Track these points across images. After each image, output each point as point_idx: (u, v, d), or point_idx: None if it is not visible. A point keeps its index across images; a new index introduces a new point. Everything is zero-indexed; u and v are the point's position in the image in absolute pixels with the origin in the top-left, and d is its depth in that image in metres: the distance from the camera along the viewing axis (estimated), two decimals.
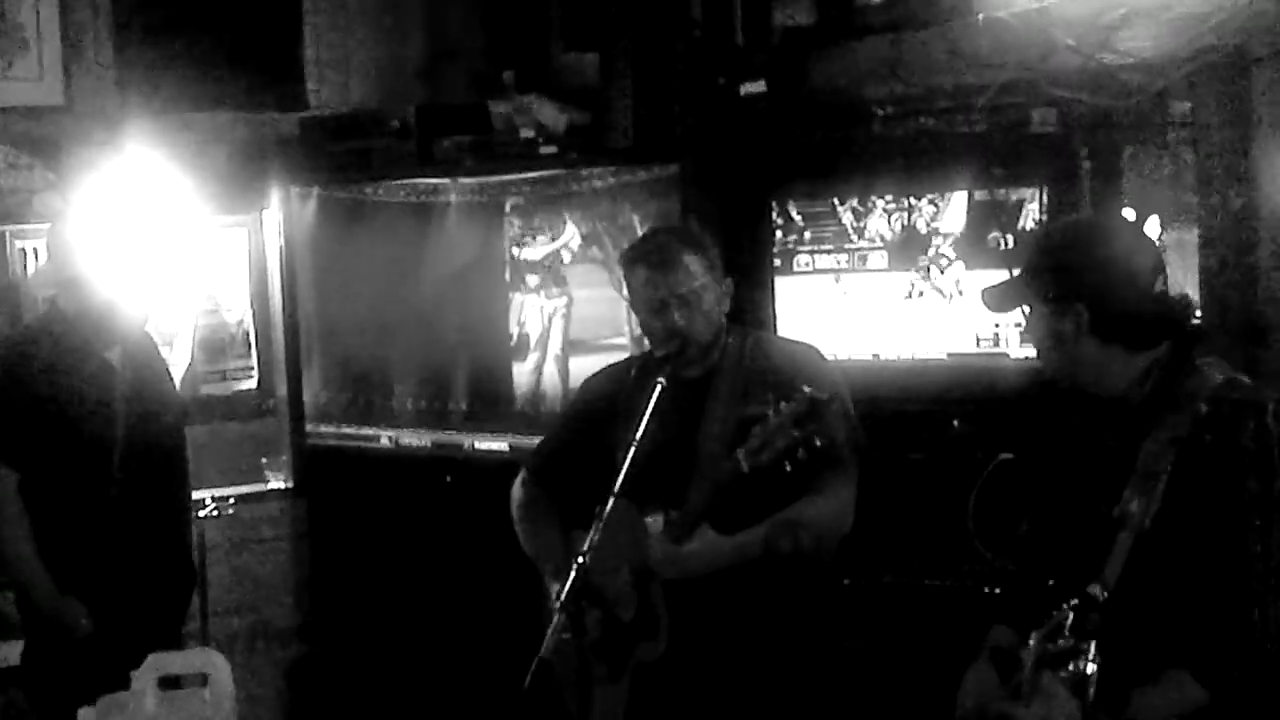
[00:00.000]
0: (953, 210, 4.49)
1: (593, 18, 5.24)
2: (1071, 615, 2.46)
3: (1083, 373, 2.79)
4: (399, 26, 6.05)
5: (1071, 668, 2.48)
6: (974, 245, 4.45)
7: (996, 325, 4.40)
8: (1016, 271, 2.91)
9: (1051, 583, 2.70)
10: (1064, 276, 2.75)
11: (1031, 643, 2.54)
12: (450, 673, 5.27)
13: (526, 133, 5.11)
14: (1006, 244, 4.39)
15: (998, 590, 4.23)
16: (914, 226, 4.56)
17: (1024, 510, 3.13)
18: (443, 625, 5.30)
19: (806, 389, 3.18)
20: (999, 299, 2.92)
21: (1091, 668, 2.48)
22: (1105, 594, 2.45)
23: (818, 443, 3.16)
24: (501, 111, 5.21)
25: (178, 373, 5.31)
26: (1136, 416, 2.69)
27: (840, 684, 3.77)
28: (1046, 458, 2.98)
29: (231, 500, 5.34)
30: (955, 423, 4.53)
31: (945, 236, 4.49)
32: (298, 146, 5.69)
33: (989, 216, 4.44)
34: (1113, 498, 2.61)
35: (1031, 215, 4.37)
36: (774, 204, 4.74)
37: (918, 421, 4.51)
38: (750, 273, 4.50)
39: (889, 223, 4.60)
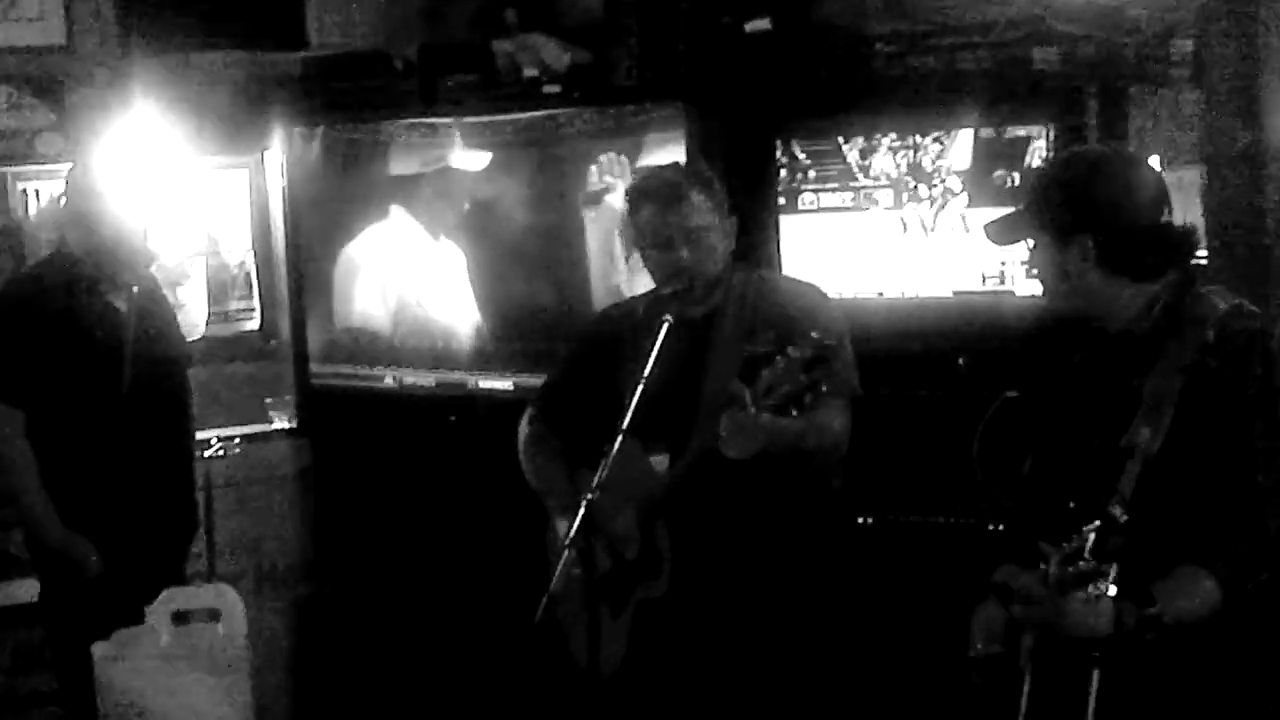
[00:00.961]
0: (958, 148, 4.48)
1: None
2: (1093, 537, 2.47)
3: (1088, 305, 2.79)
4: None
5: (1090, 589, 2.49)
6: (979, 183, 4.44)
7: (1003, 263, 4.40)
8: (1020, 204, 2.91)
9: (1059, 514, 2.71)
10: (1071, 208, 2.74)
11: (1051, 565, 2.54)
12: (455, 610, 5.29)
13: (530, 72, 5.07)
14: (1012, 182, 4.38)
15: (1001, 528, 4.25)
16: (919, 164, 4.55)
17: (1028, 447, 3.14)
18: (448, 563, 5.33)
19: (815, 334, 3.17)
20: (1003, 232, 2.92)
21: (1112, 590, 2.49)
22: (1125, 516, 2.46)
23: (824, 388, 3.16)
24: (504, 50, 5.17)
25: (192, 312, 5.32)
26: (1143, 347, 2.69)
27: (843, 622, 3.79)
28: (1051, 393, 2.98)
29: (236, 440, 5.35)
30: (960, 361, 4.53)
31: (951, 174, 4.48)
32: (299, 86, 5.67)
33: (995, 155, 4.43)
34: (1121, 428, 2.62)
35: (1038, 153, 4.35)
36: (779, 142, 4.73)
37: (922, 359, 4.51)
38: (754, 211, 4.49)
39: (894, 160, 4.59)
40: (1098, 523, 2.48)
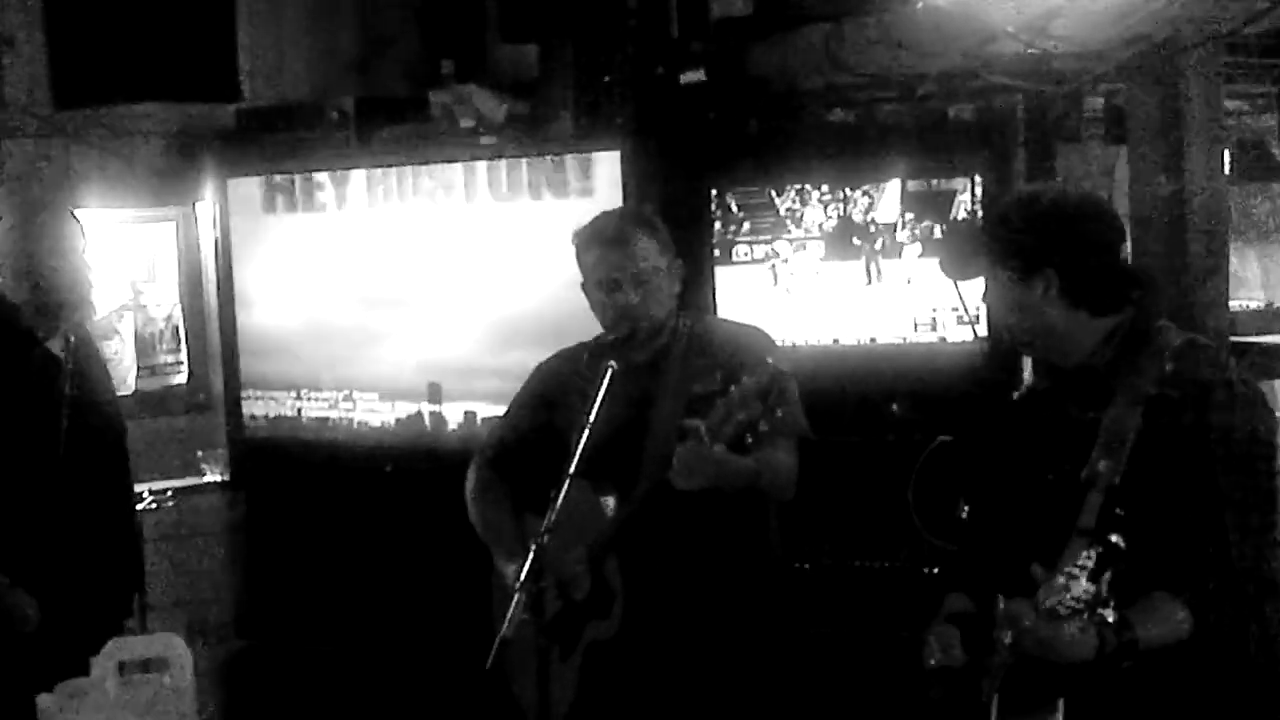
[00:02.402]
0: (888, 200, 4.56)
1: (529, 9, 5.27)
2: (1094, 563, 2.45)
3: (1046, 339, 2.83)
4: (332, 18, 6.06)
5: (1093, 616, 2.47)
6: (907, 234, 4.53)
7: (934, 310, 4.48)
8: (977, 239, 2.90)
9: (1019, 545, 2.74)
10: (1034, 242, 2.78)
11: (1043, 591, 2.52)
12: (395, 664, 5.27)
13: (466, 123, 5.12)
14: (940, 233, 4.47)
15: (937, 570, 4.31)
16: (849, 216, 4.63)
17: (966, 489, 3.19)
18: (384, 617, 5.30)
19: (770, 360, 3.21)
20: (960, 266, 2.92)
21: (1112, 617, 2.49)
22: (1126, 544, 2.45)
23: (779, 414, 3.19)
24: (441, 101, 5.22)
25: (120, 366, 5.29)
26: (1100, 380, 2.75)
27: (785, 664, 3.81)
28: (1001, 428, 3.02)
29: (168, 494, 5.31)
30: (894, 407, 4.60)
31: (883, 227, 4.56)
32: (233, 137, 5.68)
33: (924, 205, 4.52)
34: (1077, 460, 2.66)
35: (964, 205, 4.45)
36: (713, 194, 4.79)
37: (856, 406, 4.57)
38: (690, 261, 4.54)
39: (825, 212, 4.67)
40: (1097, 550, 2.46)
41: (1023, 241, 2.79)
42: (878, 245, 4.59)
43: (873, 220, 4.59)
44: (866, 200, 4.60)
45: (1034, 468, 2.84)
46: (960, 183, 4.46)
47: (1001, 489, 2.94)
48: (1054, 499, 2.71)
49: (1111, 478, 2.59)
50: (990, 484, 3.02)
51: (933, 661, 2.86)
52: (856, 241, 4.62)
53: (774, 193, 4.72)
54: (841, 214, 4.65)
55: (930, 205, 4.52)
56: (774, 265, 4.74)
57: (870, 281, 4.61)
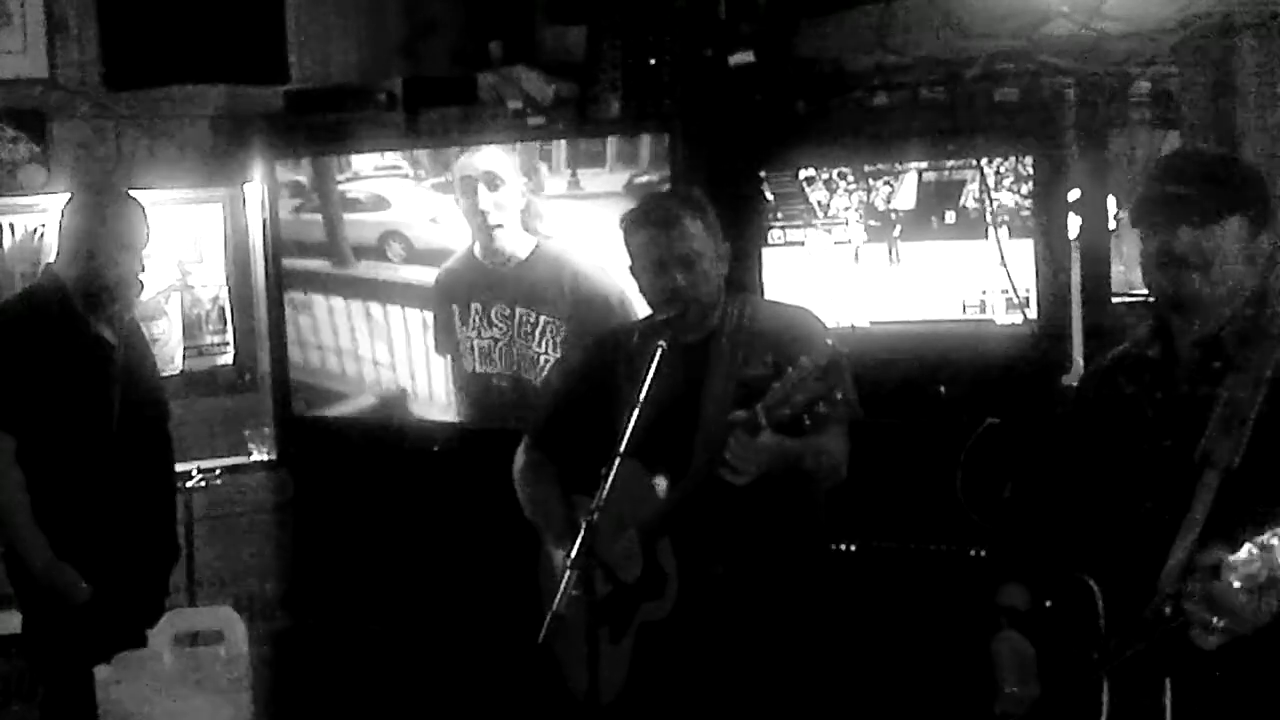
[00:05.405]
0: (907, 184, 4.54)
1: None
2: None
3: (1221, 295, 2.67)
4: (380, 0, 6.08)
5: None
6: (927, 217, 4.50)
7: (983, 292, 4.46)
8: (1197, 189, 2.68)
9: (1110, 522, 2.68)
10: (1262, 193, 2.70)
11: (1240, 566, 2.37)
12: (439, 645, 5.29)
13: (514, 104, 5.12)
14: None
15: (983, 553, 4.30)
16: (873, 204, 4.61)
17: (1021, 470, 3.15)
18: (431, 596, 5.32)
19: (829, 342, 3.20)
20: (1197, 209, 2.64)
21: None
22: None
23: (838, 396, 3.18)
24: (488, 83, 5.22)
25: (167, 347, 5.34)
26: (1223, 354, 2.65)
27: (832, 647, 3.82)
28: (1088, 397, 2.94)
29: (216, 472, 5.35)
30: (941, 389, 4.58)
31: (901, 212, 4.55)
32: (281, 119, 5.70)
33: (940, 191, 4.49)
34: (1184, 438, 2.60)
35: (1006, 185, 4.41)
36: (760, 175, 4.78)
37: (903, 388, 4.55)
38: (737, 242, 4.53)
39: (850, 199, 4.65)
40: None
41: (1254, 193, 2.67)
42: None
43: (892, 206, 4.57)
44: (887, 189, 4.57)
45: (1126, 441, 2.76)
46: (1004, 165, 4.42)
47: (1083, 463, 2.86)
48: (1157, 475, 2.65)
49: (1231, 458, 2.52)
50: (1067, 459, 2.93)
51: (1010, 691, 2.82)
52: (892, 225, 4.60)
53: (821, 173, 4.70)
54: (867, 202, 4.63)
55: (947, 190, 4.49)
56: (819, 245, 4.73)
57: (912, 261, 4.59)
